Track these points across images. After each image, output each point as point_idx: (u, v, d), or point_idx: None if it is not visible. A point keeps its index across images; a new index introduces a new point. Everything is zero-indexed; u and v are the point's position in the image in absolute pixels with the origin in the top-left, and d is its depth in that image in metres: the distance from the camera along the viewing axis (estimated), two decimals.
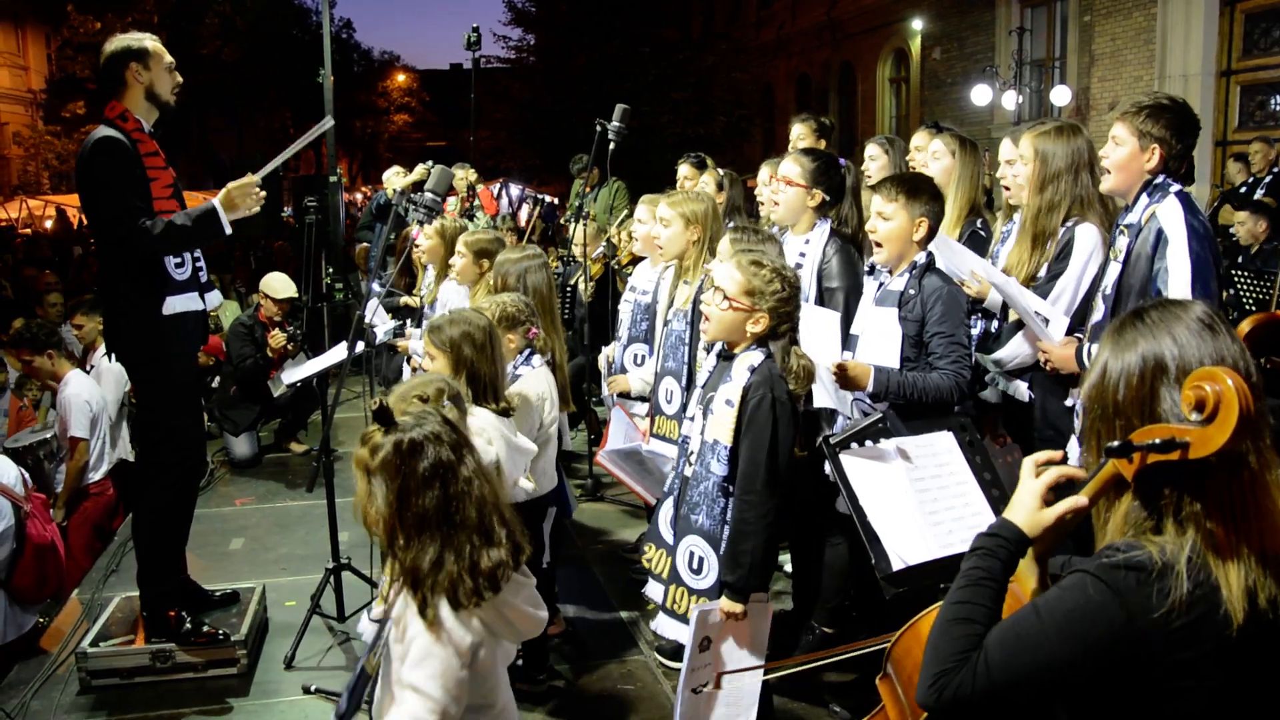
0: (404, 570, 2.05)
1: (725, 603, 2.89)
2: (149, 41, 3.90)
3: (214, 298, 4.02)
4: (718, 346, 3.10)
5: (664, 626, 3.15)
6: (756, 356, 2.93)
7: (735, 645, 2.94)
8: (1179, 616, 1.44)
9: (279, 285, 7.03)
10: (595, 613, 4.56)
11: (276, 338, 6.87)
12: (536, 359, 3.71)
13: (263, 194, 3.88)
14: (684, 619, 3.02)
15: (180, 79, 4.02)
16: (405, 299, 6.39)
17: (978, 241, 3.96)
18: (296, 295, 6.99)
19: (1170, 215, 2.98)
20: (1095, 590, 1.48)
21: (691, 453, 3.07)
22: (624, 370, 4.57)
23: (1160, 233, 2.98)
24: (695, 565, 3.00)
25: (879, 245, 3.41)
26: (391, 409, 2.07)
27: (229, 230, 3.82)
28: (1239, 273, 6.64)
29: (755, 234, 3.64)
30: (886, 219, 3.35)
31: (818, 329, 3.44)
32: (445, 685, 2.00)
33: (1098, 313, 3.18)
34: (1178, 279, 2.91)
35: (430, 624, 2.01)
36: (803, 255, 3.90)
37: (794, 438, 2.89)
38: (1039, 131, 3.47)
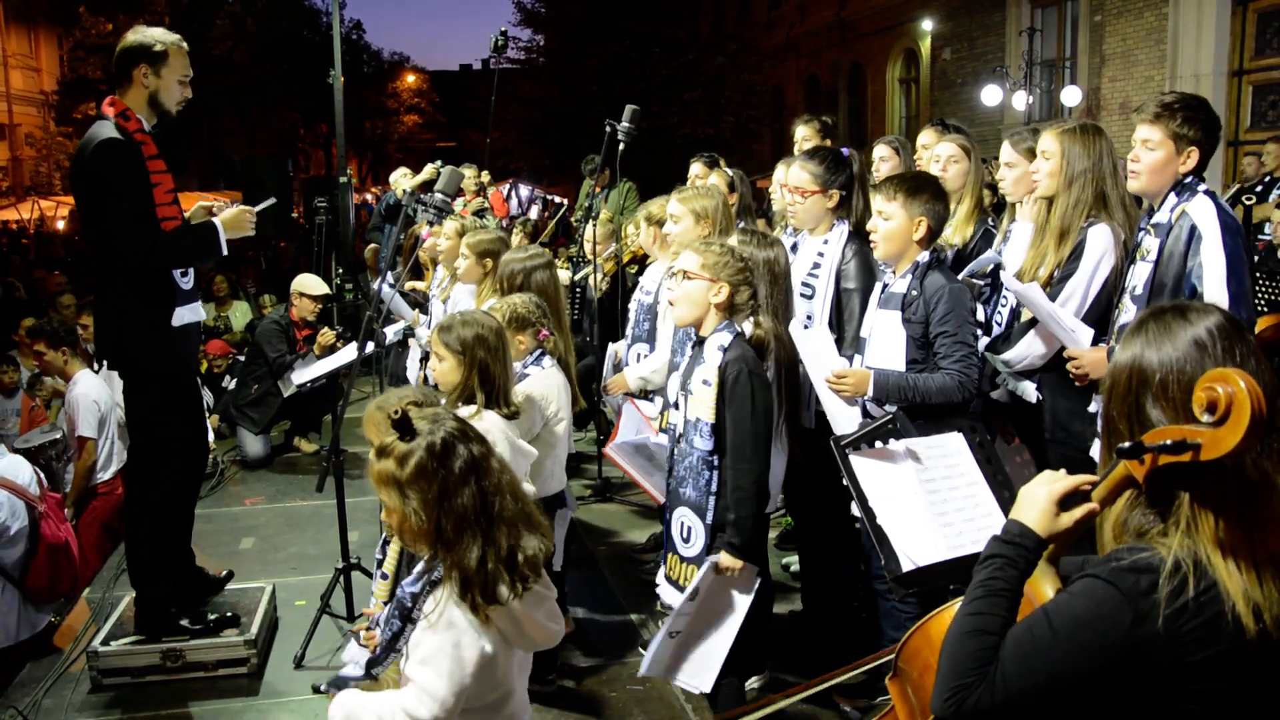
0: (449, 572, 2.02)
1: (728, 559, 3.04)
2: (170, 46, 3.73)
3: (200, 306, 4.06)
4: (691, 338, 3.31)
5: (665, 593, 3.33)
6: (725, 336, 3.12)
7: (716, 602, 3.10)
8: (1190, 618, 1.43)
9: (313, 283, 7.32)
10: (604, 613, 4.56)
11: (326, 335, 7.00)
12: (547, 360, 3.69)
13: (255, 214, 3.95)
14: (680, 586, 3.20)
15: (190, 94, 3.85)
16: (412, 285, 6.41)
17: (989, 240, 3.97)
18: (330, 292, 7.17)
19: (1203, 212, 2.98)
20: (1105, 594, 1.47)
21: (679, 435, 3.25)
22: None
23: (1194, 229, 2.97)
24: (685, 535, 3.17)
25: (875, 244, 3.41)
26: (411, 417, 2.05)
27: (225, 251, 3.84)
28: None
29: (763, 238, 3.61)
30: (886, 218, 3.34)
31: (811, 348, 3.41)
32: (452, 686, 2.00)
33: (1127, 314, 3.14)
34: (1213, 274, 2.91)
35: (455, 626, 2.01)
36: (821, 255, 3.86)
37: (772, 402, 3.06)
38: (1063, 129, 3.43)
